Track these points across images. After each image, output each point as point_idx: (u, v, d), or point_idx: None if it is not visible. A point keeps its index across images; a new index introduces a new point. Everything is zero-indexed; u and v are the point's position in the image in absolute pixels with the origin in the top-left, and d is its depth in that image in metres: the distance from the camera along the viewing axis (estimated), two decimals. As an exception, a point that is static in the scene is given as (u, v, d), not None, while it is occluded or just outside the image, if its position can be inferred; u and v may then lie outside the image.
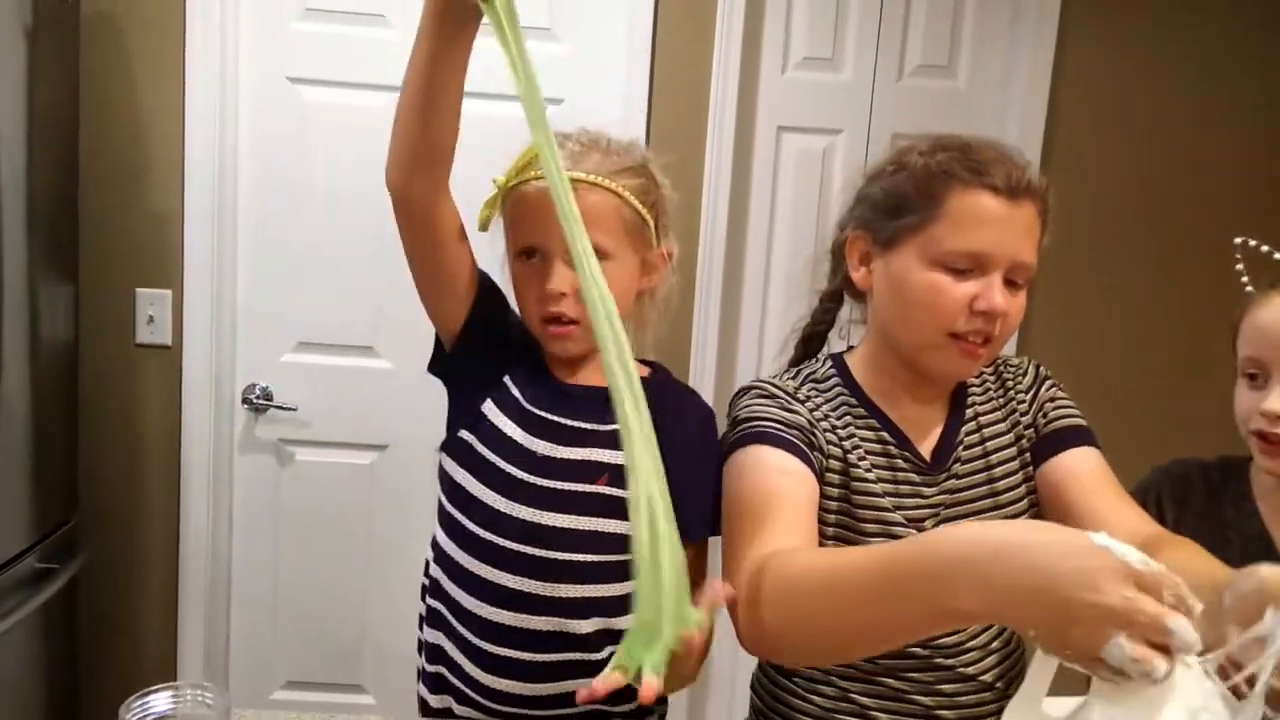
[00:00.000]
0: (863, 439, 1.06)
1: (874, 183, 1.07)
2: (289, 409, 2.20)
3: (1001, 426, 1.11)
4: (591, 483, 1.08)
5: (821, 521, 1.02)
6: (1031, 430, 1.11)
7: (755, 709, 1.17)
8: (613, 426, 1.08)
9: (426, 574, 1.19)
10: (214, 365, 2.17)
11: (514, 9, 0.85)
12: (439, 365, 1.16)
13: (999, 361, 1.16)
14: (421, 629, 1.20)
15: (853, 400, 1.08)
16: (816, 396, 1.08)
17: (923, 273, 1.00)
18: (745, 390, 1.09)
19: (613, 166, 1.07)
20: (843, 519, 1.05)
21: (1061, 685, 0.76)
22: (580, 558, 1.08)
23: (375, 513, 2.25)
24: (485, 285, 1.13)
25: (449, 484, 1.14)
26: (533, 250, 1.08)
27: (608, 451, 1.08)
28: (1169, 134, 2.27)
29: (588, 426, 1.10)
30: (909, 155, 1.04)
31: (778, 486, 0.97)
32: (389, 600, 2.25)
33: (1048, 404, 1.12)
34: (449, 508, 1.14)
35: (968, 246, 0.97)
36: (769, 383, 1.10)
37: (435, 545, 1.16)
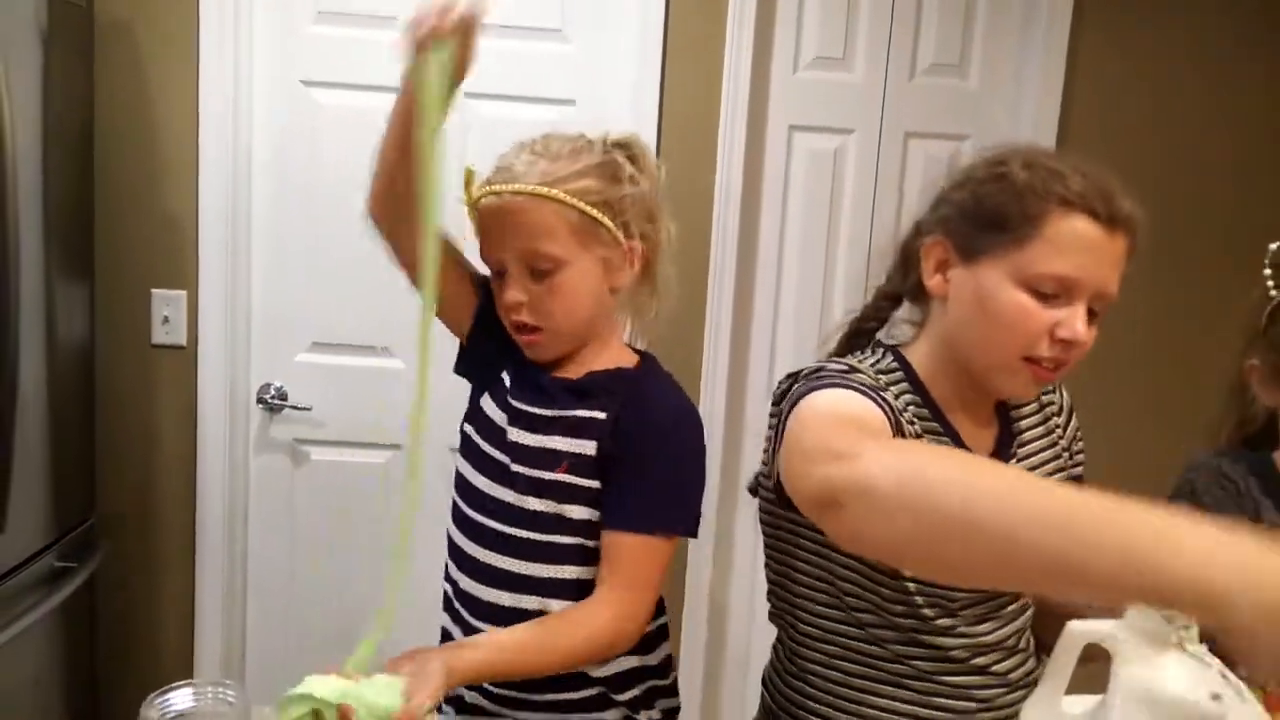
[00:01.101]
0: (932, 442, 1.03)
1: (963, 189, 1.02)
2: (304, 409, 2.22)
3: (1046, 453, 1.12)
4: (553, 470, 1.12)
5: None
6: (1067, 456, 1.15)
7: (765, 708, 1.16)
8: (572, 412, 1.11)
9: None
10: (229, 365, 2.18)
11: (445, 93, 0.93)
12: (462, 365, 1.25)
13: None
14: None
15: (919, 400, 1.04)
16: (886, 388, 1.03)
17: (1010, 292, 0.95)
18: (818, 364, 1.03)
19: (556, 174, 1.08)
20: None
21: (1079, 685, 0.77)
22: (557, 539, 1.12)
23: (390, 512, 2.26)
24: (485, 295, 1.19)
25: (457, 476, 1.21)
26: (491, 263, 1.14)
27: (565, 440, 1.12)
28: (1183, 135, 2.25)
29: (549, 414, 1.14)
30: (1010, 166, 0.98)
31: (874, 424, 0.91)
32: (404, 599, 2.25)
33: (1077, 435, 1.17)
34: (455, 497, 1.21)
35: (1061, 271, 0.94)
36: (842, 359, 1.05)
37: (448, 534, 1.23)
